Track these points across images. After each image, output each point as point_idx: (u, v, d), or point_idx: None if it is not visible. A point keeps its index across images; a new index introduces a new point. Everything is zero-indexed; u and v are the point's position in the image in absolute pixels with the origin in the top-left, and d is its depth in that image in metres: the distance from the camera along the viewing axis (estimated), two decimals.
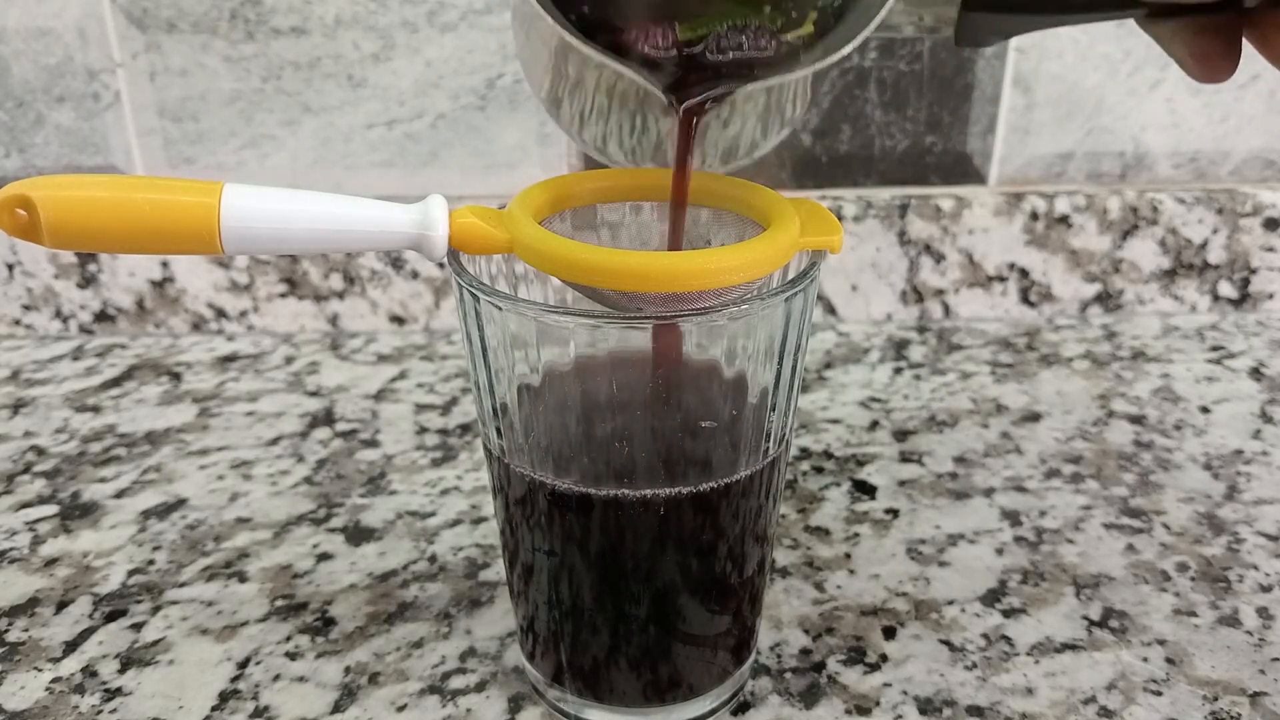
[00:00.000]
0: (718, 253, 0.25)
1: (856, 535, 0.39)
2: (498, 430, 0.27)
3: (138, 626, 0.34)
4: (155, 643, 0.33)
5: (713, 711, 0.30)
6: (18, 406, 0.50)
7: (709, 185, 0.29)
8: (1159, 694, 0.31)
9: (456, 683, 0.32)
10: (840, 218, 0.56)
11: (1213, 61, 0.28)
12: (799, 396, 0.29)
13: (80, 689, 0.32)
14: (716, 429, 0.26)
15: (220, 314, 0.58)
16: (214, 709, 0.31)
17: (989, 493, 0.41)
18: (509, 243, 0.26)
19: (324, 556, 0.38)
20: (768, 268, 0.25)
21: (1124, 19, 0.29)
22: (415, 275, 0.57)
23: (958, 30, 0.30)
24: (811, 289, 0.26)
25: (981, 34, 0.30)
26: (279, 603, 0.35)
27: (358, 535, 0.39)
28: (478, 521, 0.40)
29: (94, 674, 0.32)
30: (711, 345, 0.27)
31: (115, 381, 0.53)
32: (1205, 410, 0.48)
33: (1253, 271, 0.58)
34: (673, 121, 0.28)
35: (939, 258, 0.57)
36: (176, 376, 0.53)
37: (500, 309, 0.25)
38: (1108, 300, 0.59)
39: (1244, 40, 0.28)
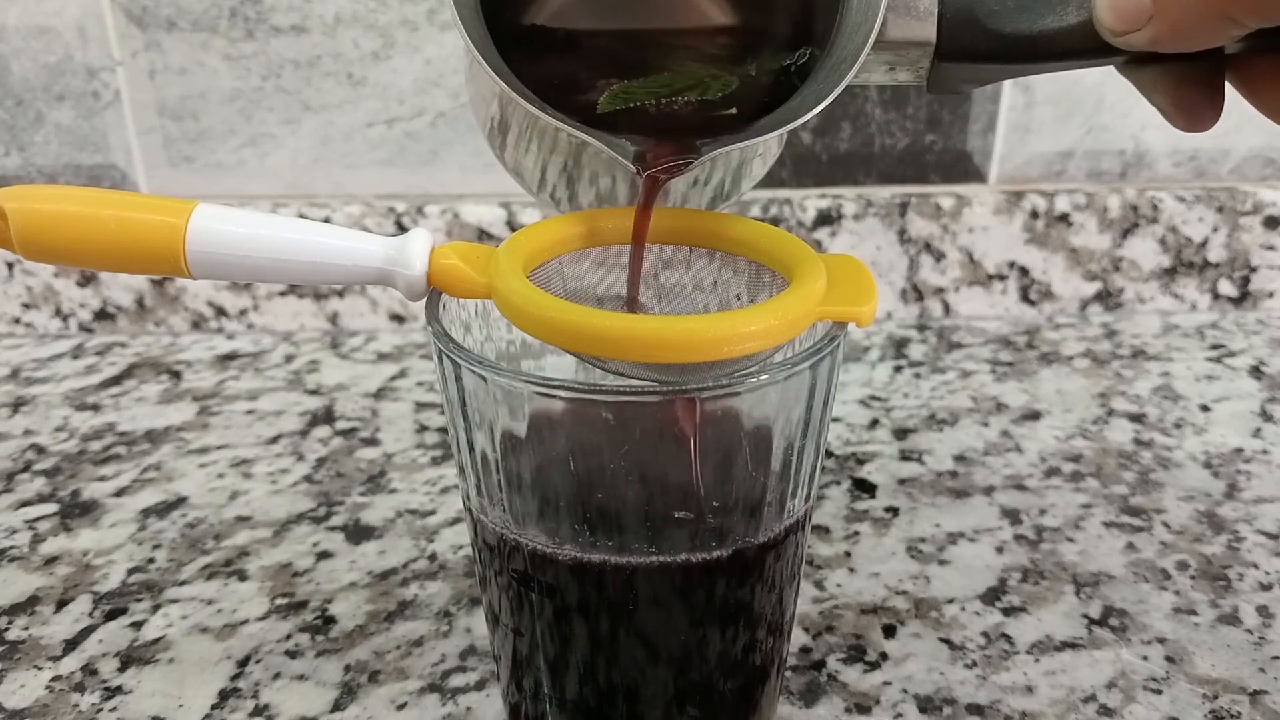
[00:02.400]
0: (713, 321, 0.23)
1: (856, 534, 0.39)
2: (477, 489, 0.25)
3: (138, 625, 0.34)
4: (155, 641, 0.34)
5: None
6: (18, 405, 0.50)
7: (731, 230, 0.26)
8: (1159, 692, 0.31)
9: (456, 681, 0.32)
10: (840, 216, 0.56)
11: (1195, 111, 0.27)
12: (821, 465, 0.26)
13: (80, 687, 0.32)
14: (716, 510, 0.24)
15: (220, 312, 0.58)
16: (214, 707, 0.31)
17: (989, 491, 0.41)
18: (488, 288, 0.24)
19: (324, 555, 0.38)
20: (772, 341, 0.23)
21: (1102, 66, 0.28)
22: None
23: (930, 79, 0.29)
24: (836, 354, 0.24)
25: (954, 83, 0.29)
26: (279, 601, 0.35)
27: (358, 534, 0.39)
28: None
29: (94, 672, 0.32)
30: (715, 416, 0.24)
31: (115, 380, 0.53)
32: (1205, 409, 0.48)
33: (1253, 270, 0.58)
34: (637, 183, 0.26)
35: (939, 256, 0.57)
36: (176, 375, 0.53)
37: (485, 380, 0.23)
38: (1108, 299, 0.59)
39: (1228, 86, 0.28)
